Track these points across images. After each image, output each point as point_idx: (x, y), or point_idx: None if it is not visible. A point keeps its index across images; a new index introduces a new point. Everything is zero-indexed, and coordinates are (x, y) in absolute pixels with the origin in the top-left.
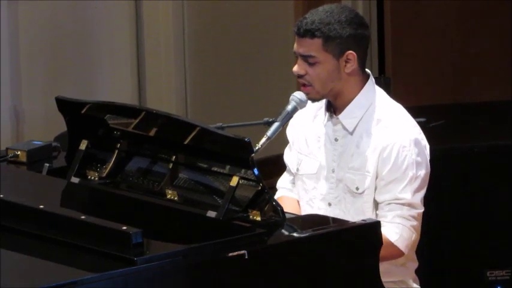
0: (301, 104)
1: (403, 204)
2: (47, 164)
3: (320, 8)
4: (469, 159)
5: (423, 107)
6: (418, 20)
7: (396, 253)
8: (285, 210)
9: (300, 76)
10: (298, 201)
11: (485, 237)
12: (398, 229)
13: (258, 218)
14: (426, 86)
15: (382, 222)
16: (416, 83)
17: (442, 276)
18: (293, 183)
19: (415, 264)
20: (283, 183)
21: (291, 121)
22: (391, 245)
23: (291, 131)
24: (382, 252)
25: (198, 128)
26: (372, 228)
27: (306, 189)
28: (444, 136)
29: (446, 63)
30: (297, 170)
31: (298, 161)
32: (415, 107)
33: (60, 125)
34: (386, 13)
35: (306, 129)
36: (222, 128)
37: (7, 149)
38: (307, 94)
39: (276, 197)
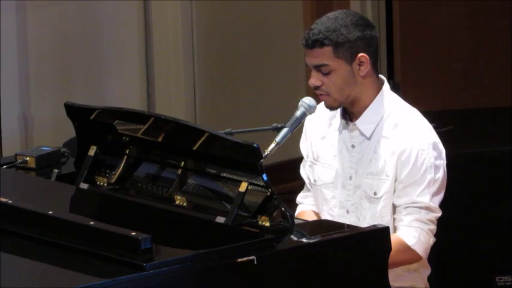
0: (310, 110)
1: (420, 207)
2: (56, 170)
3: (324, 18)
4: (479, 165)
5: (433, 113)
6: (427, 26)
7: (414, 257)
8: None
9: (316, 88)
10: (317, 214)
11: (495, 243)
12: (417, 233)
13: (267, 224)
14: (436, 91)
15: (399, 226)
16: (425, 88)
17: (451, 281)
18: (311, 197)
19: (427, 271)
20: (302, 198)
21: (303, 135)
22: (409, 249)
23: (304, 144)
24: (400, 257)
25: (206, 134)
26: (381, 234)
27: (326, 199)
28: (453, 141)
29: (455, 69)
30: (314, 181)
31: (314, 173)
32: (425, 112)
33: (69, 131)
34: (395, 19)
35: (319, 140)
36: (230, 133)
37: (16, 154)
38: (325, 103)
39: (296, 213)
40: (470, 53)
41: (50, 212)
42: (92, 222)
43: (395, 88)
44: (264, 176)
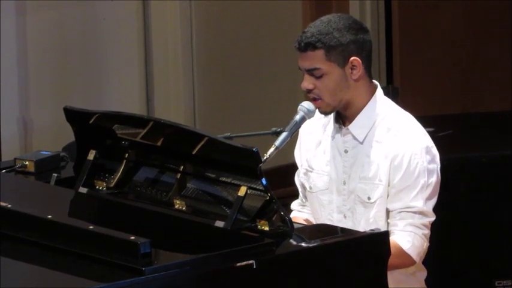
0: (309, 114)
1: (414, 212)
2: (55, 174)
3: (317, 21)
4: (477, 169)
5: (431, 117)
6: (427, 30)
7: (408, 261)
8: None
9: (309, 91)
10: (309, 221)
11: (494, 247)
12: (410, 237)
13: (266, 228)
14: (434, 95)
15: (393, 231)
16: (424, 93)
17: (450, 285)
18: (306, 205)
19: (424, 273)
20: (296, 205)
21: (297, 143)
22: (404, 253)
23: (298, 154)
24: (395, 260)
25: (206, 138)
26: (380, 238)
27: (323, 204)
28: (452, 146)
29: (454, 73)
30: (310, 188)
31: (310, 180)
32: (423, 116)
33: (68, 135)
34: (394, 24)
35: (314, 147)
36: (230, 137)
37: (15, 159)
38: (318, 108)
39: None
40: (469, 57)
41: (49, 216)
42: (91, 227)
43: (394, 93)
44: (263, 180)
